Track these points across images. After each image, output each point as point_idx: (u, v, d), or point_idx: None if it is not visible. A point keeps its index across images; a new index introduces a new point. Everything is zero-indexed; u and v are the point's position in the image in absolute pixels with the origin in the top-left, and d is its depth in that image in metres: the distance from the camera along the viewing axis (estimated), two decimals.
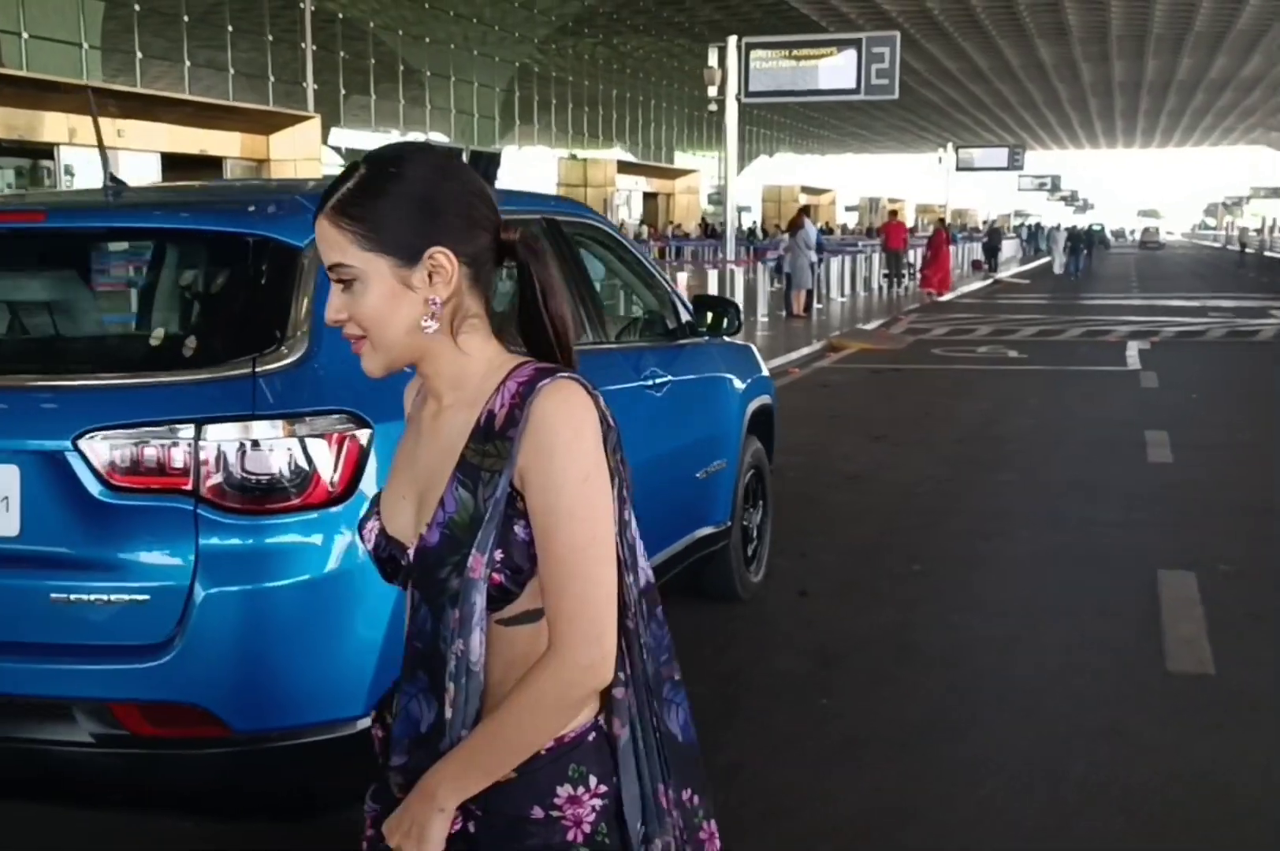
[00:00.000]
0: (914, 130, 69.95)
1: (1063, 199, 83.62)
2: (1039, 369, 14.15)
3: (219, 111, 27.17)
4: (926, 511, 6.99)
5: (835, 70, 20.19)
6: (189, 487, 2.47)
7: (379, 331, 1.39)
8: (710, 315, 4.73)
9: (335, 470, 2.55)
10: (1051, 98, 62.26)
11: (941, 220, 30.79)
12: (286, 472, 2.51)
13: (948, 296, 25.76)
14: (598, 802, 1.42)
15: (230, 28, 29.06)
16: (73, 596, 2.50)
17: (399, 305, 1.38)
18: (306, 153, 28.70)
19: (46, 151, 24.11)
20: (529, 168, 38.59)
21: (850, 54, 20.08)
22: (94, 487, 2.49)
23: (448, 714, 1.39)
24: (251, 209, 2.90)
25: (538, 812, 1.39)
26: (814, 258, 20.65)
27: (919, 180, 64.63)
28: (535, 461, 1.36)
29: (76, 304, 3.22)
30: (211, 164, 28.03)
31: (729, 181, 20.99)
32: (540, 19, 41.57)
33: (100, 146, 3.32)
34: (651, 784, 1.45)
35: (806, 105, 62.40)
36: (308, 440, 2.53)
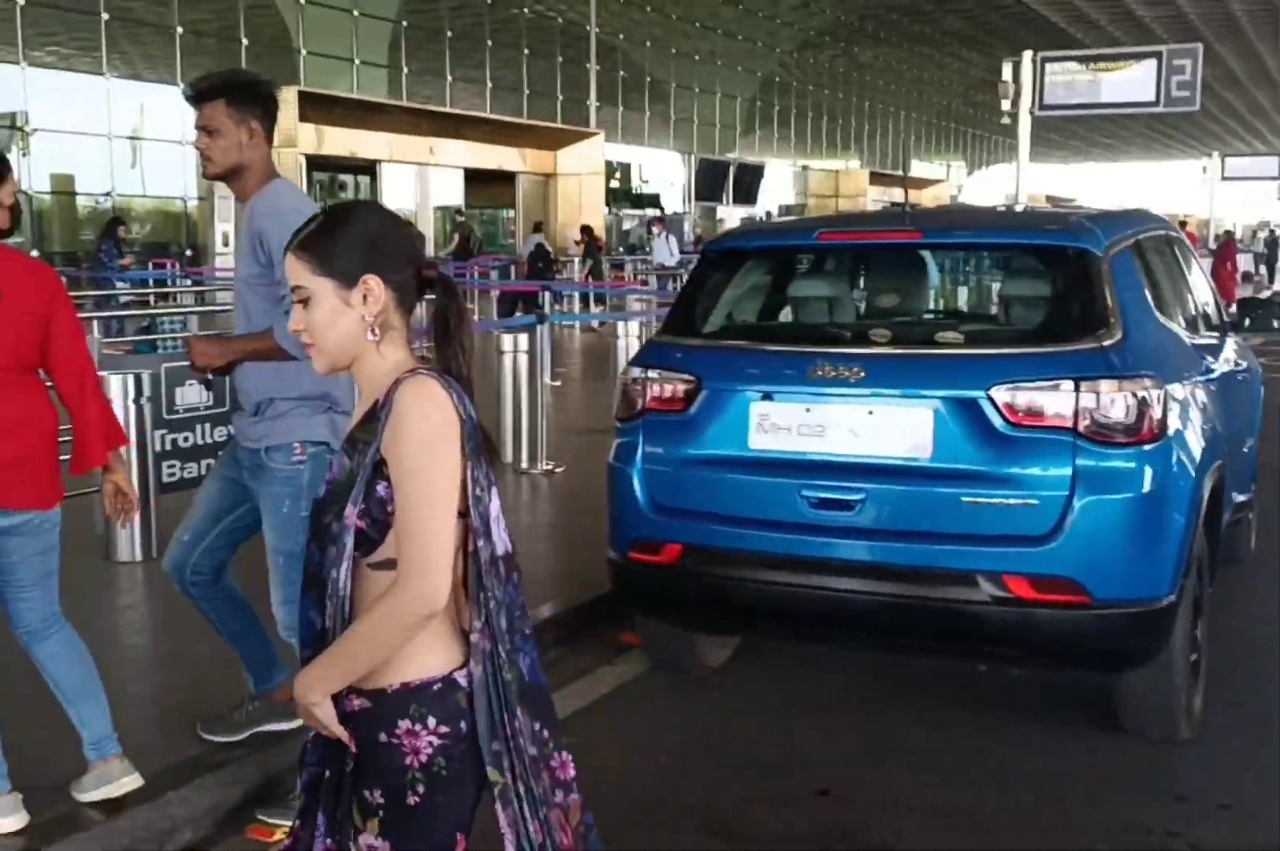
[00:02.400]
0: (1161, 138, 68.27)
1: None
2: None
3: (514, 129, 29.02)
4: None
5: (1133, 82, 20.43)
6: (1069, 425, 3.53)
7: (323, 339, 1.84)
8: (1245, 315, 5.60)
9: (1153, 415, 3.57)
10: None
11: (1229, 231, 30.54)
12: (1130, 417, 3.54)
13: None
14: (435, 740, 1.80)
15: (527, 50, 31.02)
16: (979, 500, 3.58)
17: (339, 319, 1.83)
18: (590, 167, 30.32)
19: (369, 167, 26.28)
20: (773, 178, 39.50)
21: (1149, 65, 20.31)
22: (998, 423, 3.57)
23: (328, 623, 1.83)
24: (1060, 228, 3.97)
25: (383, 737, 1.81)
26: None
27: (1167, 189, 63.08)
28: (390, 436, 1.77)
29: (948, 295, 4.36)
30: (505, 178, 30.00)
31: (1019, 192, 21.56)
32: (784, 32, 42.57)
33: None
34: (501, 713, 1.83)
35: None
36: (1139, 393, 3.55)
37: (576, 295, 19.12)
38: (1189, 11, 44.48)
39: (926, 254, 4.41)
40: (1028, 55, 21.08)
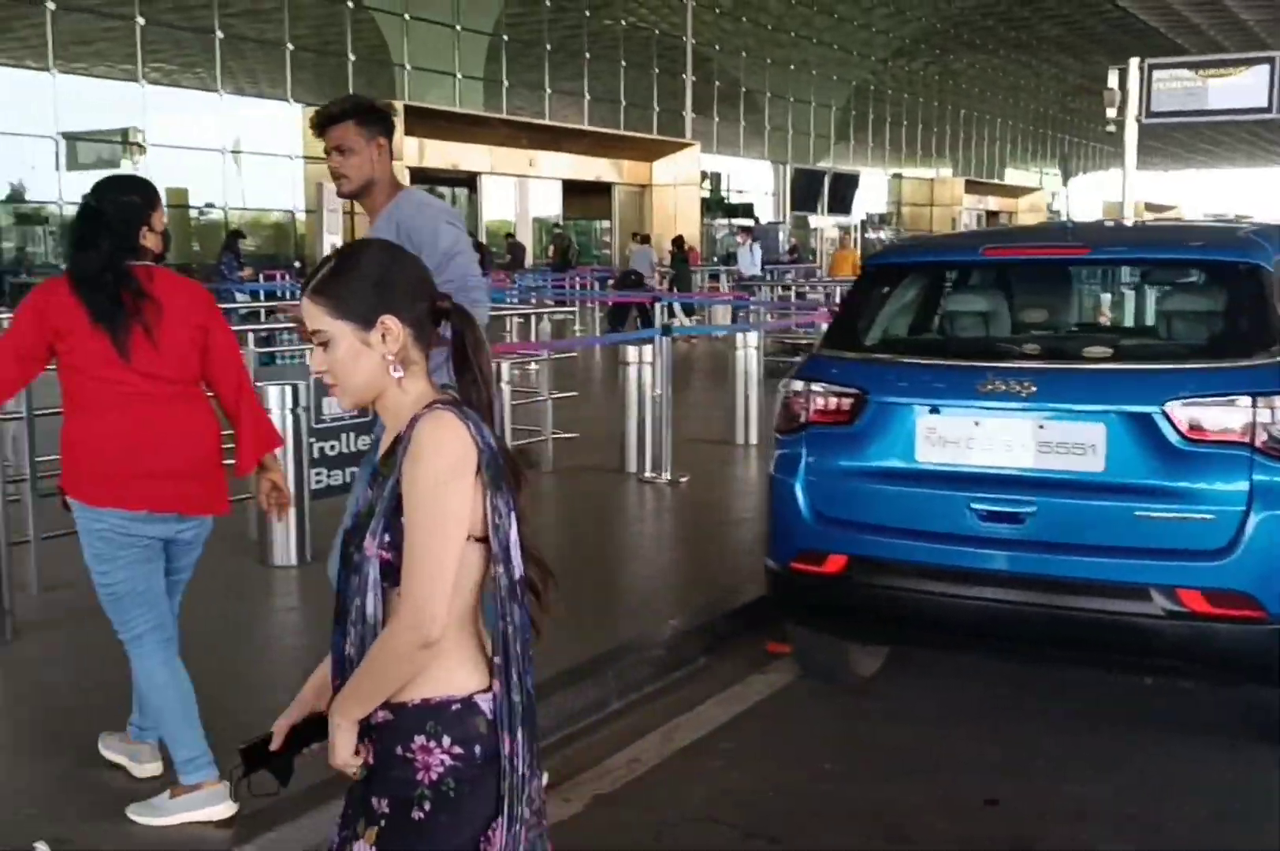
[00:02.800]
0: (1263, 144, 66.81)
1: None
2: None
3: (611, 141, 29.27)
4: None
5: (1243, 89, 20.06)
6: (1246, 441, 3.54)
7: (345, 379, 1.88)
8: None
9: None
10: None
11: None
12: None
13: None
14: (447, 759, 1.81)
15: (624, 62, 31.28)
16: (1153, 514, 3.60)
17: (360, 359, 1.86)
18: (685, 178, 30.45)
19: (470, 180, 26.69)
20: (865, 187, 39.26)
21: (1261, 71, 19.91)
22: (1173, 438, 3.59)
23: (350, 651, 1.88)
24: (1229, 243, 3.98)
25: (399, 750, 1.84)
26: None
27: (1270, 195, 61.63)
28: (406, 469, 1.80)
29: (1110, 309, 4.40)
30: (601, 190, 30.27)
31: (1127, 201, 21.28)
32: (878, 40, 42.39)
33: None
34: (525, 730, 1.87)
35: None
36: None
37: (674, 305, 19.11)
38: None
39: (1087, 269, 4.44)
40: (1134, 62, 20.78)
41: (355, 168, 3.59)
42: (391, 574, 1.83)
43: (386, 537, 1.83)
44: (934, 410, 3.93)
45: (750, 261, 22.39)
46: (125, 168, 22.71)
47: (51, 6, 20.03)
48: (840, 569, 4.01)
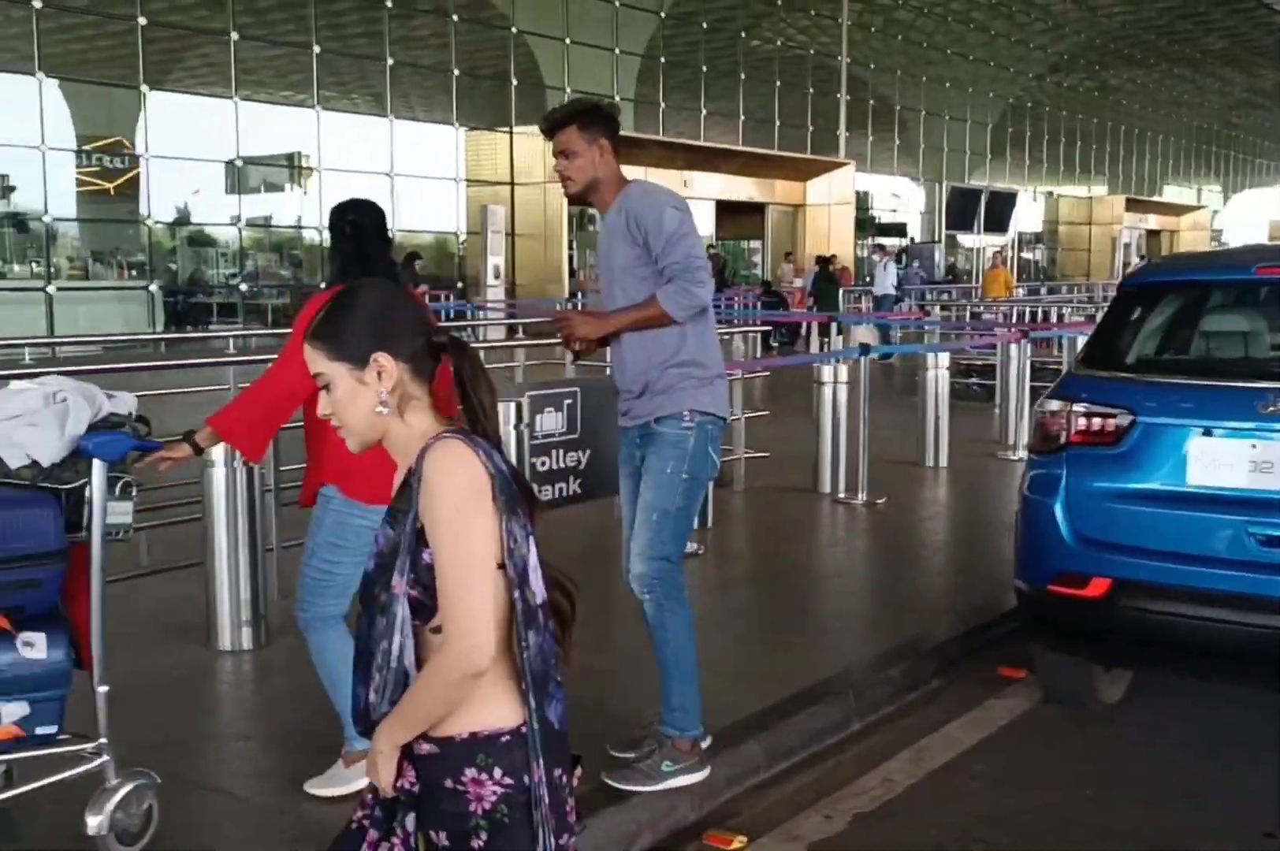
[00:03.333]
0: None
1: None
2: None
3: (765, 161, 29.29)
4: None
5: None
6: None
7: (347, 419, 1.91)
8: None
9: None
10: None
11: None
12: None
13: None
14: (499, 789, 1.82)
15: (778, 82, 31.34)
16: None
17: (357, 398, 1.89)
18: (839, 197, 30.30)
19: None
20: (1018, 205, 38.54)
21: None
22: None
23: (371, 698, 1.85)
24: None
25: (449, 783, 1.83)
26: None
27: None
28: (422, 501, 1.80)
29: None
30: (754, 209, 30.32)
31: None
32: (1033, 56, 41.67)
33: None
34: (546, 758, 1.85)
35: None
36: None
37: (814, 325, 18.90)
38: None
39: None
40: None
41: (579, 169, 3.66)
42: (421, 611, 1.82)
43: (413, 575, 1.81)
44: (1207, 432, 3.85)
45: (885, 280, 22.17)
46: (294, 191, 23.60)
47: (235, 36, 20.89)
48: (1104, 592, 3.94)
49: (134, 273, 21.21)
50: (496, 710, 1.85)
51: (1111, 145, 47.05)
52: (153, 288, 20.41)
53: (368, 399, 1.88)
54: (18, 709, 3.04)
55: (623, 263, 3.66)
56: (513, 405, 6.06)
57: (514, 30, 25.50)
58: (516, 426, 6.08)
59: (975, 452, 9.69)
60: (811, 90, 32.02)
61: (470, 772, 1.82)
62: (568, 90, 26.58)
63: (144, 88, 19.74)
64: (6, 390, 3.33)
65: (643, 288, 3.62)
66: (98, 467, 3.22)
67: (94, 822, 3.18)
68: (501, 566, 1.83)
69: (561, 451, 6.86)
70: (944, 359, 9.42)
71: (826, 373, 8.21)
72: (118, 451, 3.24)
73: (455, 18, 24.42)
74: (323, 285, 3.77)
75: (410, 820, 1.88)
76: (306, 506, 3.64)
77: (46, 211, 19.53)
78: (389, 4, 23.07)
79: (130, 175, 20.34)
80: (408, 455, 1.88)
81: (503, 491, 1.84)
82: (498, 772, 1.81)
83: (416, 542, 1.81)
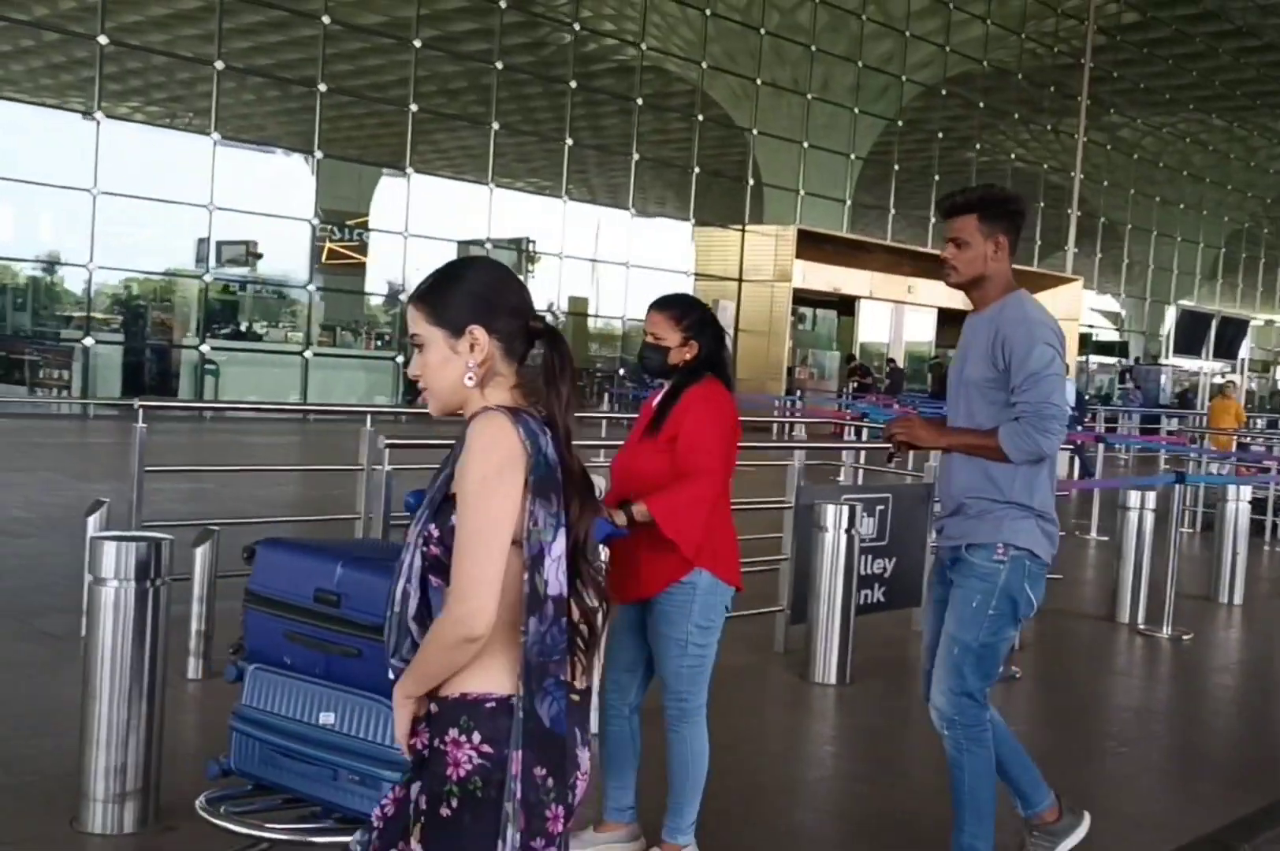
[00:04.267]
0: None
1: None
2: None
3: None
4: None
5: None
6: None
7: (434, 383, 1.95)
8: None
9: None
10: None
11: None
12: None
13: None
14: (474, 755, 1.81)
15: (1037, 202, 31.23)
16: None
17: (447, 365, 1.94)
18: (1068, 313, 29.74)
19: (849, 302, 26.99)
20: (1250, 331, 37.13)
21: None
22: None
23: (386, 637, 1.94)
24: None
25: (437, 742, 1.85)
26: None
27: None
28: (458, 467, 1.85)
29: None
30: None
31: None
32: (1263, 180, 40.55)
33: None
34: (532, 753, 1.81)
35: None
36: None
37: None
38: None
39: None
40: None
41: (966, 262, 3.47)
42: (441, 570, 1.87)
43: (431, 529, 1.87)
44: None
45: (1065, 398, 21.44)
46: (523, 275, 24.35)
47: (496, 126, 21.83)
48: None
49: (379, 343, 22.10)
50: (491, 676, 1.86)
51: None
52: (399, 359, 21.15)
53: (457, 368, 1.93)
54: None
55: (975, 378, 3.45)
56: (844, 508, 5.96)
57: (755, 132, 26.01)
58: (847, 530, 5.97)
59: (1268, 592, 9.14)
60: (1042, 203, 31.70)
61: (452, 733, 1.84)
62: (801, 193, 26.93)
63: (408, 170, 20.69)
64: None
65: (989, 411, 3.40)
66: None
67: None
68: (517, 543, 1.84)
69: (870, 557, 6.71)
70: (1245, 492, 8.98)
71: (1134, 498, 7.88)
72: (601, 534, 3.24)
73: (700, 118, 25.06)
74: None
75: (415, 787, 1.88)
76: (642, 599, 3.53)
77: (310, 281, 20.55)
78: (639, 102, 23.82)
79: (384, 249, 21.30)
80: None
81: (536, 473, 1.85)
82: (476, 737, 1.82)
83: (443, 502, 1.87)
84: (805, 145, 26.66)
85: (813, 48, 26.17)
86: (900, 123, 28.28)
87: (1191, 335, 32.81)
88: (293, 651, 2.90)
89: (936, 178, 29.74)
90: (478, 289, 1.97)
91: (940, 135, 29.65)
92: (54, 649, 5.51)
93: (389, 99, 21.19)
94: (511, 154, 23.43)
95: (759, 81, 25.45)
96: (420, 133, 21.43)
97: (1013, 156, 31.71)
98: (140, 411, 5.87)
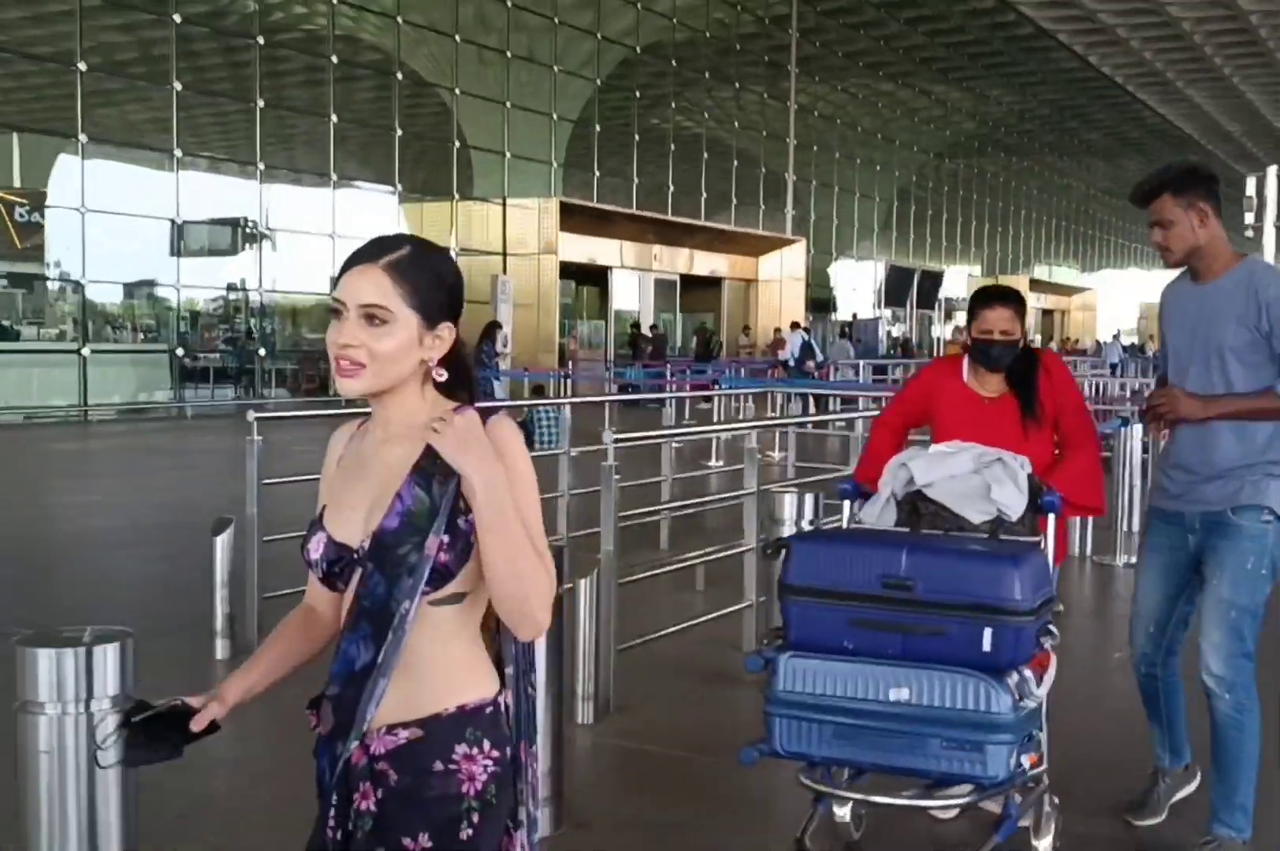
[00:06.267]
0: None
1: None
2: None
3: (723, 236, 30.19)
4: None
5: None
6: None
7: (386, 366, 1.76)
8: None
9: None
10: None
11: None
12: None
13: None
14: (489, 764, 1.76)
15: (736, 162, 32.40)
16: None
17: (409, 353, 1.77)
18: (793, 273, 31.41)
19: (602, 273, 27.39)
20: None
21: None
22: None
23: (379, 657, 1.75)
24: None
25: (439, 766, 1.74)
26: None
27: None
28: (486, 468, 1.71)
29: None
30: (712, 284, 31.14)
31: None
32: (924, 142, 43.82)
33: None
34: (525, 741, 1.86)
35: None
36: None
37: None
38: None
39: None
40: (1273, 170, 21.93)
41: (1176, 239, 3.51)
42: (440, 577, 1.75)
43: (445, 538, 1.75)
44: None
45: (790, 351, 23.35)
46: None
47: (178, 86, 20.67)
48: None
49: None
50: (480, 681, 1.82)
51: (990, 226, 48.89)
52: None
53: (413, 358, 1.79)
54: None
55: (1233, 344, 3.48)
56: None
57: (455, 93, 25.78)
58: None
59: None
60: (764, 169, 33.15)
61: (461, 749, 1.76)
62: (554, 165, 26.94)
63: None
64: (938, 453, 3.50)
65: (1248, 376, 3.47)
66: (1050, 523, 3.44)
67: None
68: None
69: None
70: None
71: None
72: (1058, 507, 3.44)
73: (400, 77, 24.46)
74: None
75: (409, 842, 1.75)
76: None
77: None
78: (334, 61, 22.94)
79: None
80: (410, 421, 1.82)
81: None
82: (486, 745, 1.77)
83: (456, 507, 1.76)
84: (507, 105, 26.02)
85: (508, 2, 25.69)
86: (599, 82, 28.34)
87: (899, 288, 35.48)
88: (857, 636, 3.02)
89: (672, 147, 30.47)
90: (454, 281, 1.85)
91: (638, 95, 29.94)
92: None
93: (51, 57, 19.14)
94: (204, 120, 21.89)
95: (458, 38, 24.67)
96: (94, 97, 19.30)
97: (736, 124, 32.87)
98: (255, 423, 5.61)
